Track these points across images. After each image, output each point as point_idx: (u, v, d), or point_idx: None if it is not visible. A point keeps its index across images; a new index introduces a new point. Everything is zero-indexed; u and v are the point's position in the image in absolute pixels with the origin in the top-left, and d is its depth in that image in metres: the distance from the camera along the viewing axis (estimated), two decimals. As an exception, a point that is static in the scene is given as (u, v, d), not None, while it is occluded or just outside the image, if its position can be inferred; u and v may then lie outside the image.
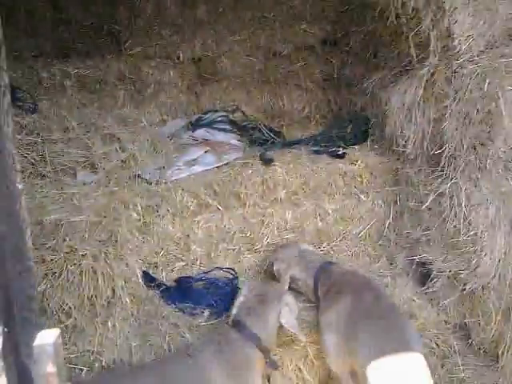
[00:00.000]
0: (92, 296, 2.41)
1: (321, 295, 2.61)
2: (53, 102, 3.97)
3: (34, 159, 2.88)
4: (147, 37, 4.63)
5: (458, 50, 2.81)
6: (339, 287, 2.51)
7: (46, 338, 0.93)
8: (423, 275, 3.06)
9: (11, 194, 0.89)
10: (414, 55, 3.17)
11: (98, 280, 2.40)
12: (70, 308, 2.37)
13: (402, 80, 3.30)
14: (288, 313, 2.34)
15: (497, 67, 2.64)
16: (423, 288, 3.00)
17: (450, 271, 2.77)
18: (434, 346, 2.67)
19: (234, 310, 2.30)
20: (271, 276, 2.93)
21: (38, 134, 2.94)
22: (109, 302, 2.50)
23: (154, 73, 4.52)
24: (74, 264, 2.36)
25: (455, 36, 2.81)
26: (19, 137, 2.84)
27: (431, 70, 2.96)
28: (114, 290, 2.49)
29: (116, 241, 2.53)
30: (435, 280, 2.89)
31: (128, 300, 2.56)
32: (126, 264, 2.57)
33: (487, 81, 2.60)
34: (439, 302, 2.88)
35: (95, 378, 2.31)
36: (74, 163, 2.91)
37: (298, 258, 2.86)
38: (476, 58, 2.76)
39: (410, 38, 3.13)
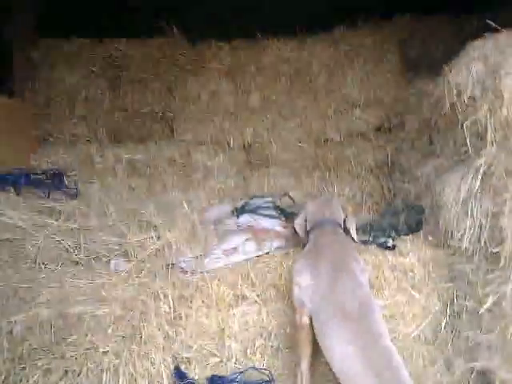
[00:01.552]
0: (113, 399, 2.24)
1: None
2: (103, 185, 4.05)
3: (69, 245, 2.85)
4: (199, 123, 4.73)
5: (518, 140, 2.62)
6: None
7: None
8: (486, 386, 2.70)
9: None
10: (470, 145, 2.99)
11: (119, 380, 2.24)
12: (89, 410, 2.21)
13: (458, 170, 3.11)
14: None
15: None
16: (485, 402, 2.63)
17: (515, 385, 2.41)
18: None
19: None
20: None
21: (75, 220, 2.92)
22: (131, 406, 2.32)
23: (203, 158, 4.56)
24: (95, 362, 2.22)
25: (515, 125, 2.63)
26: (56, 223, 2.83)
27: (489, 161, 2.77)
28: (136, 392, 2.31)
29: (141, 337, 2.38)
30: (498, 393, 2.53)
31: (152, 403, 2.38)
32: (151, 362, 2.41)
33: (550, 173, 2.38)
34: (503, 420, 2.50)
35: None
36: (108, 251, 2.85)
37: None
38: (539, 148, 2.55)
39: (466, 127, 2.98)
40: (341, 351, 2.23)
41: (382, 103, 4.73)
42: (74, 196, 3.33)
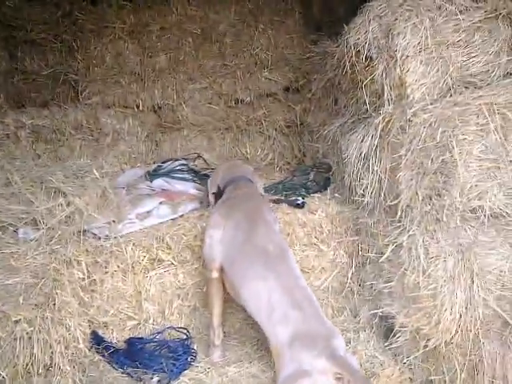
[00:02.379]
0: (27, 365, 2.22)
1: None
2: (6, 153, 3.86)
3: (-27, 217, 2.73)
4: (105, 86, 4.58)
5: (411, 98, 2.78)
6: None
7: None
8: (387, 329, 2.94)
9: None
10: (369, 105, 3.14)
11: (33, 347, 2.22)
12: (3, 378, 2.18)
13: (360, 128, 3.27)
14: None
15: (450, 116, 2.59)
16: (386, 343, 2.87)
17: (412, 326, 2.65)
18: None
19: None
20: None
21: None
22: (47, 370, 2.31)
23: (112, 122, 4.44)
24: (7, 331, 2.18)
25: (408, 84, 2.79)
26: (-43, 194, 2.69)
27: (386, 119, 2.92)
28: (51, 358, 2.31)
29: (54, 304, 2.36)
30: (398, 335, 2.76)
31: (69, 367, 2.38)
32: (67, 328, 2.40)
33: (440, 130, 2.56)
34: (403, 359, 2.75)
35: None
36: (15, 220, 2.75)
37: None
38: (429, 107, 2.72)
39: (364, 86, 3.12)
40: (264, 290, 2.28)
41: (289, 63, 4.78)
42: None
